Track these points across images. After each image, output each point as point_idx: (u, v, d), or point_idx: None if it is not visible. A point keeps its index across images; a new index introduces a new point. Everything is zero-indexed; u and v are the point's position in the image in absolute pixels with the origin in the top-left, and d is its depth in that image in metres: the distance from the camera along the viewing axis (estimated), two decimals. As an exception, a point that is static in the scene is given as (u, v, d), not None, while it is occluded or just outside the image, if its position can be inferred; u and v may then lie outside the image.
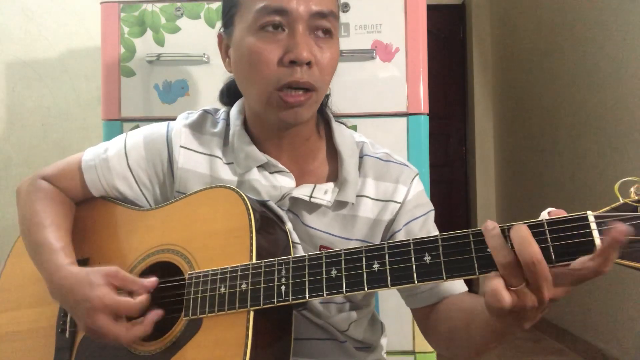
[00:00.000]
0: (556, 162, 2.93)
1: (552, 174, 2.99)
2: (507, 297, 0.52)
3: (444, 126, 4.04)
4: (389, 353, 0.95)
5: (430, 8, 1.50)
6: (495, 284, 0.53)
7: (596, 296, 2.52)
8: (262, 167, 0.81)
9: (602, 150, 2.45)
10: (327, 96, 0.89)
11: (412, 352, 1.31)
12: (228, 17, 0.79)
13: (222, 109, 0.90)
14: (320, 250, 0.78)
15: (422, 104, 1.34)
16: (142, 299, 0.69)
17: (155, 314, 0.70)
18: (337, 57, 0.78)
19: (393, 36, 1.34)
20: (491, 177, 3.93)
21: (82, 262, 0.84)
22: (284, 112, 0.74)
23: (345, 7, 1.35)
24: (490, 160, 3.93)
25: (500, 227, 0.55)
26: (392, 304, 1.29)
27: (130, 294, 0.71)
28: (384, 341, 0.93)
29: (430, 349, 1.32)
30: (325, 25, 0.74)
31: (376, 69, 1.34)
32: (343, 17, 1.34)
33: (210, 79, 1.38)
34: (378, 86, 1.34)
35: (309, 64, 0.72)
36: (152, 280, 0.72)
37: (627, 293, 2.27)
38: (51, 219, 0.82)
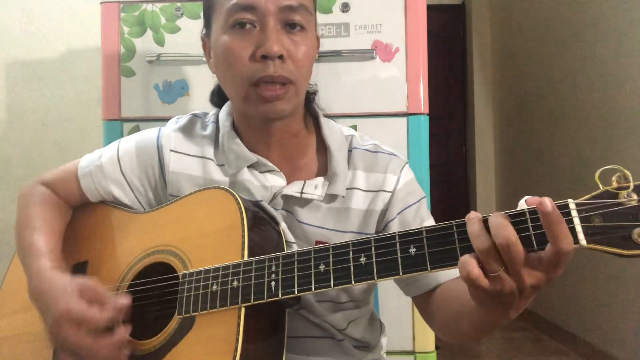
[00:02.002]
0: (556, 162, 2.93)
1: (552, 174, 2.99)
2: (476, 269, 0.53)
3: (444, 126, 4.04)
4: (388, 353, 0.95)
5: (430, 8, 1.50)
6: (465, 257, 0.54)
7: (596, 296, 2.52)
8: (253, 166, 0.81)
9: (603, 151, 2.45)
10: (315, 92, 0.89)
11: (412, 352, 1.32)
12: (206, 18, 0.80)
13: (212, 112, 0.90)
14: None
15: (422, 104, 1.34)
16: (109, 314, 0.67)
17: (128, 329, 0.69)
18: (313, 51, 0.78)
19: (393, 36, 1.34)
20: (491, 177, 3.93)
21: (80, 265, 0.85)
22: (262, 107, 0.75)
23: (345, 7, 1.35)
24: (490, 160, 3.93)
25: (483, 217, 0.56)
26: (392, 304, 1.29)
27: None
28: (383, 341, 0.93)
29: (430, 348, 1.32)
30: (295, 19, 0.74)
31: (376, 69, 1.34)
32: (343, 17, 1.35)
33: (210, 79, 1.36)
34: (378, 86, 1.34)
35: (281, 57, 0.73)
36: (124, 302, 0.69)
37: (628, 293, 2.27)
38: (43, 222, 0.82)
